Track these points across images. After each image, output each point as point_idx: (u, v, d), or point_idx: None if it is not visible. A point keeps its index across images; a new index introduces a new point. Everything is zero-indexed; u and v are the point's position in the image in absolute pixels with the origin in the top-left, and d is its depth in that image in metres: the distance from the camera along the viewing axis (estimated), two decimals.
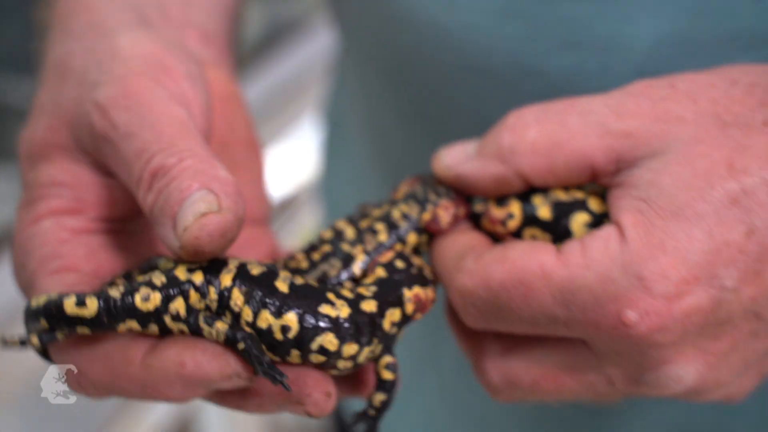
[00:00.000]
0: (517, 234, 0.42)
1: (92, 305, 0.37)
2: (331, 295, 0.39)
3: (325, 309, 0.39)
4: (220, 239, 0.37)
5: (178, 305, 0.38)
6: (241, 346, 0.37)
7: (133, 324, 0.38)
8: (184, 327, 0.39)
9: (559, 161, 0.40)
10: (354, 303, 0.40)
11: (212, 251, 0.38)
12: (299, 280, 0.40)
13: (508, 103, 0.47)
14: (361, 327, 0.39)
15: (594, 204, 0.41)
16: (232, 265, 0.39)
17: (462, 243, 0.42)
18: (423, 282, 0.42)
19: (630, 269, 0.36)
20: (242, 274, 0.39)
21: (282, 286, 0.39)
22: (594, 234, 0.38)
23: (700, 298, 0.36)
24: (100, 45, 0.44)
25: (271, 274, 0.39)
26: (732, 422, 0.52)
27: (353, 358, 0.39)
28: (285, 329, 0.38)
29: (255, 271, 0.39)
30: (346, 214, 0.46)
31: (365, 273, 0.43)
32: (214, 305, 0.38)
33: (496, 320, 0.40)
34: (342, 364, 0.39)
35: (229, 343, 0.37)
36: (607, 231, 0.38)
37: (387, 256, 0.43)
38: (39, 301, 0.38)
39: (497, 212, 0.42)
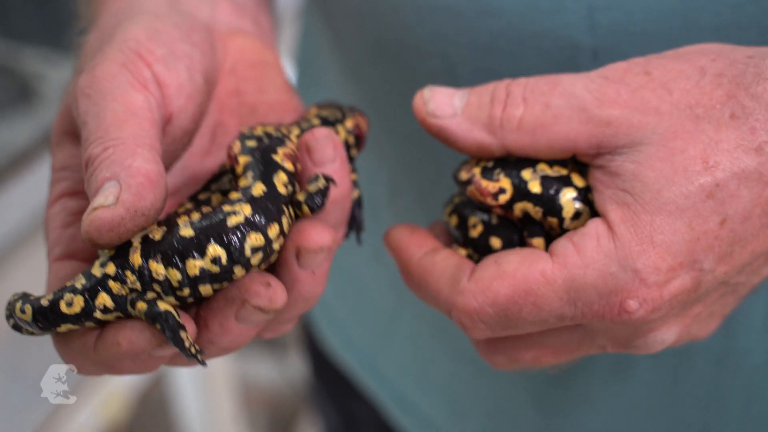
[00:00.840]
0: (508, 206, 0.44)
1: (28, 312, 0.40)
2: (227, 207, 0.40)
3: (233, 221, 0.40)
4: (109, 233, 0.38)
5: (103, 300, 0.39)
6: (157, 326, 0.39)
7: (69, 326, 0.40)
8: (118, 314, 0.40)
9: (543, 141, 0.43)
10: (247, 197, 0.41)
11: (107, 244, 0.39)
12: (195, 215, 0.40)
13: (469, 42, 0.49)
14: (267, 208, 0.40)
15: (577, 180, 0.44)
16: (136, 242, 0.40)
17: (444, 265, 0.44)
18: (280, 142, 0.44)
19: (626, 264, 0.40)
20: (147, 245, 0.40)
21: (187, 231, 0.40)
22: (582, 233, 0.41)
23: (684, 281, 0.40)
24: (107, 34, 0.46)
25: (172, 229, 0.40)
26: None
27: (282, 233, 0.41)
28: (216, 260, 0.39)
29: (157, 235, 0.40)
30: None
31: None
32: (138, 285, 0.40)
33: (506, 330, 0.43)
34: (277, 245, 0.41)
35: (150, 321, 0.39)
36: (594, 227, 0.41)
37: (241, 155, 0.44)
38: (10, 298, 0.42)
39: (488, 185, 0.44)
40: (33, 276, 1.19)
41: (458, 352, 0.64)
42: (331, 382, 0.80)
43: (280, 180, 0.42)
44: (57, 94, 1.33)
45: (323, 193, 0.42)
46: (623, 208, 0.40)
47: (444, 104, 0.44)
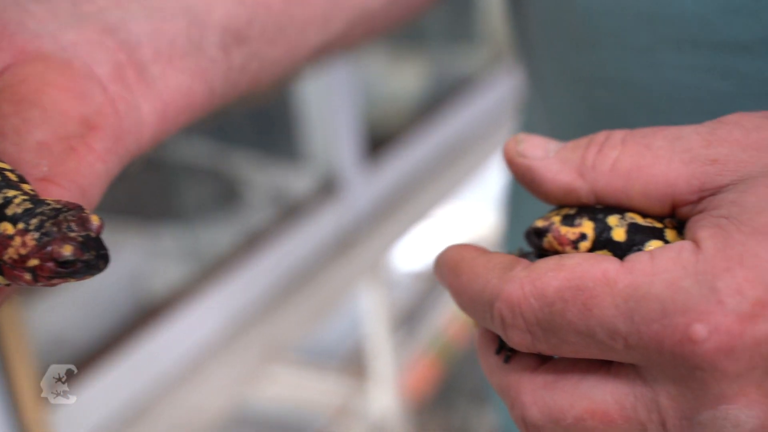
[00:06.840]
0: None
1: None
2: None
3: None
4: None
5: None
6: None
7: None
8: None
9: (638, 184, 0.38)
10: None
11: None
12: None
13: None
14: None
15: (670, 235, 0.38)
16: None
17: (501, 259, 0.39)
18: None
19: (703, 279, 0.34)
20: None
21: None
22: (666, 246, 0.36)
23: None
24: None
25: None
26: None
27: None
28: None
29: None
30: None
31: None
32: None
33: (546, 335, 0.37)
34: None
35: None
36: (680, 243, 0.35)
37: None
38: None
39: (568, 232, 0.40)
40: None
41: None
42: None
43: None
44: (260, 200, 1.33)
45: None
46: (715, 228, 0.35)
47: (536, 147, 0.41)
